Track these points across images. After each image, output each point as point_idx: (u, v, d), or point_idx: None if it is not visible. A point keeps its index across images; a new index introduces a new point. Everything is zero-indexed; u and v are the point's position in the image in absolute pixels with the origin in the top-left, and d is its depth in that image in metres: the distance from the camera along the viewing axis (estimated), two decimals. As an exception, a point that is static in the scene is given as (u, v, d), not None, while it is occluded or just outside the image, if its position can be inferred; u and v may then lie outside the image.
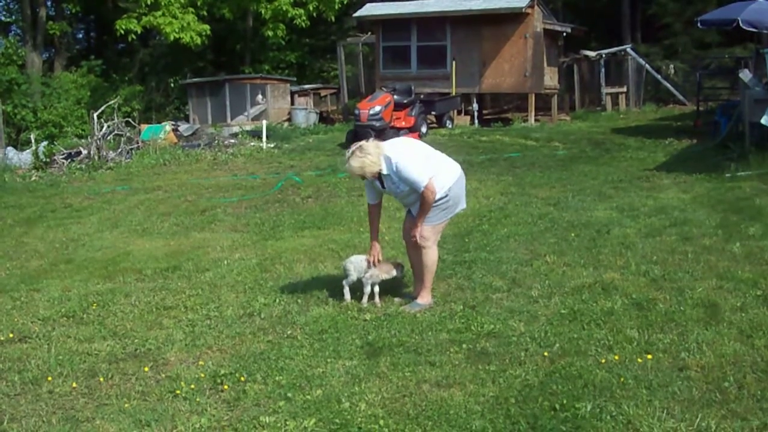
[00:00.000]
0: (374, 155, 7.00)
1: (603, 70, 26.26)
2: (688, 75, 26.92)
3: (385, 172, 7.04)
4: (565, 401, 5.12)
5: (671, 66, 27.74)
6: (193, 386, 5.73)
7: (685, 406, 5.00)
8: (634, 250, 8.80)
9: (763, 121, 13.76)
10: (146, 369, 6.17)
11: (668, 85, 26.78)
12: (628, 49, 26.97)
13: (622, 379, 5.38)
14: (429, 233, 7.28)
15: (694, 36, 27.99)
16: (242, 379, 5.82)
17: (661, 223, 10.09)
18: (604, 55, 26.43)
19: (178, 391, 5.67)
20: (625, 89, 26.42)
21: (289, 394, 5.50)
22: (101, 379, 6.01)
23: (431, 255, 7.36)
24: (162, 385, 5.85)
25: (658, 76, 26.87)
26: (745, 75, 15.83)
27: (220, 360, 6.30)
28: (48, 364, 6.35)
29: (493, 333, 6.51)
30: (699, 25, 18.06)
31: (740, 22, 15.81)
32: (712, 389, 5.20)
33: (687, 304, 6.87)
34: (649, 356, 5.76)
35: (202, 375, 5.95)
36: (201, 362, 6.25)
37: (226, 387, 5.71)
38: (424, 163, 7.07)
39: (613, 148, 17.76)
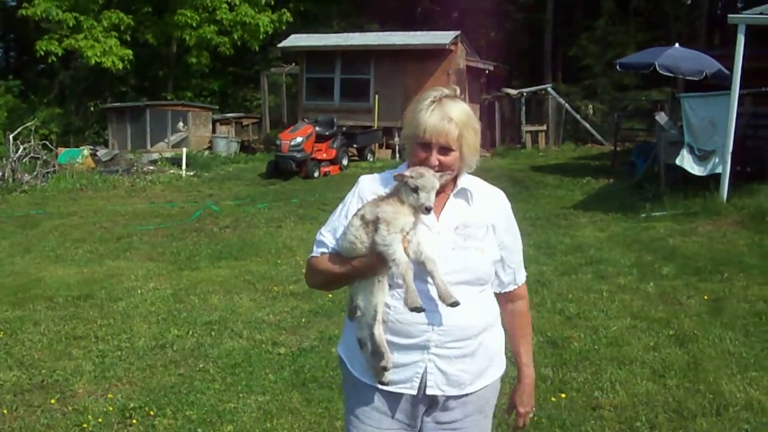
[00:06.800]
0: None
1: (524, 108, 26.64)
2: (607, 115, 27.47)
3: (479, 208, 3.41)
4: (478, 440, 5.09)
5: (590, 106, 28.28)
6: (100, 420, 5.58)
7: (597, 446, 5.03)
8: (549, 288, 8.88)
9: (677, 162, 14.08)
10: (53, 401, 6.00)
11: (587, 125, 27.26)
12: (549, 89, 27.44)
13: (535, 419, 5.36)
14: None
15: (613, 78, 28.60)
16: (152, 413, 5.68)
17: (577, 261, 10.21)
18: (525, 94, 26.85)
19: (85, 425, 5.52)
20: (545, 127, 26.81)
21: (200, 430, 5.40)
22: (5, 411, 5.82)
23: None
24: (69, 418, 5.69)
25: (578, 116, 27.34)
26: (661, 117, 16.22)
27: (130, 393, 6.15)
28: (-51, 395, 6.13)
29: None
30: (618, 67, 18.56)
31: (657, 66, 16.24)
32: (624, 429, 5.24)
33: (601, 343, 6.94)
34: (563, 395, 5.79)
35: (111, 408, 5.80)
36: (110, 395, 6.10)
37: (134, 421, 5.57)
38: None
39: (531, 185, 17.96)
